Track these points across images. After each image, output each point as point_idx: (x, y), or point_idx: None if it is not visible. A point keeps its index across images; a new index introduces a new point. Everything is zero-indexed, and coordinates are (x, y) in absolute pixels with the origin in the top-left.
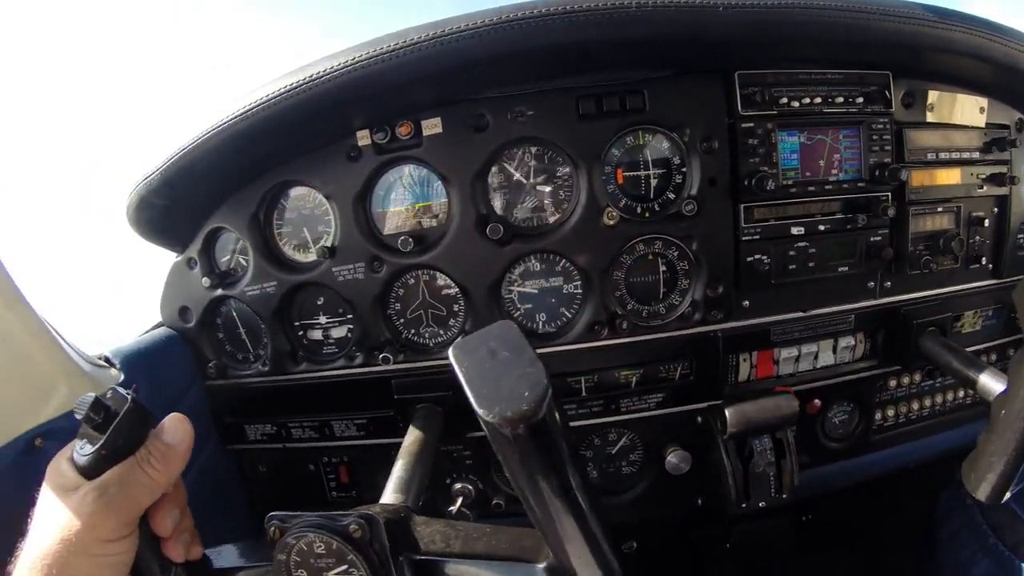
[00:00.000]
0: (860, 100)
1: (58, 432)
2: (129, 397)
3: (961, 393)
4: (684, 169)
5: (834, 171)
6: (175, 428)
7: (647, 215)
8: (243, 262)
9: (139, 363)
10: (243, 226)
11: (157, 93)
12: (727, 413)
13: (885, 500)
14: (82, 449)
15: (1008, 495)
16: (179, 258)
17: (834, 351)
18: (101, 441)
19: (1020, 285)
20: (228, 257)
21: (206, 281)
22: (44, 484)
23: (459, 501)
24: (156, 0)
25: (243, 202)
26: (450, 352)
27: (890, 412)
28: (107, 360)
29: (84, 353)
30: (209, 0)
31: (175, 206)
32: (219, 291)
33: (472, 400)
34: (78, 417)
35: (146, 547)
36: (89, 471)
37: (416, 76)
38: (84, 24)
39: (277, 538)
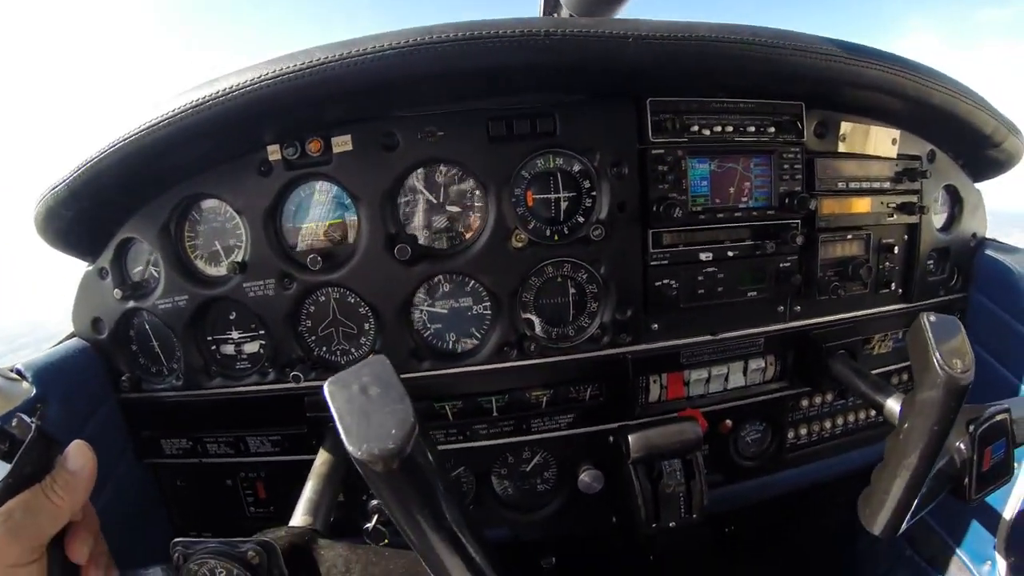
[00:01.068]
0: (772, 129)
1: None
2: (33, 426)
3: (873, 412)
4: (594, 193)
5: (744, 198)
6: (77, 455)
7: (556, 238)
8: (156, 273)
9: (51, 376)
10: (154, 237)
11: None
12: (630, 439)
13: (806, 513)
14: None
15: (903, 528)
16: (91, 267)
17: (744, 373)
18: (8, 470)
19: (912, 328)
20: (141, 268)
21: (118, 292)
22: None
23: (374, 518)
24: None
25: (154, 213)
26: (325, 388)
27: (803, 431)
28: (19, 373)
29: None
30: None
31: (83, 216)
32: (131, 303)
33: (343, 437)
34: None
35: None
36: None
37: (322, 95)
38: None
39: (181, 564)
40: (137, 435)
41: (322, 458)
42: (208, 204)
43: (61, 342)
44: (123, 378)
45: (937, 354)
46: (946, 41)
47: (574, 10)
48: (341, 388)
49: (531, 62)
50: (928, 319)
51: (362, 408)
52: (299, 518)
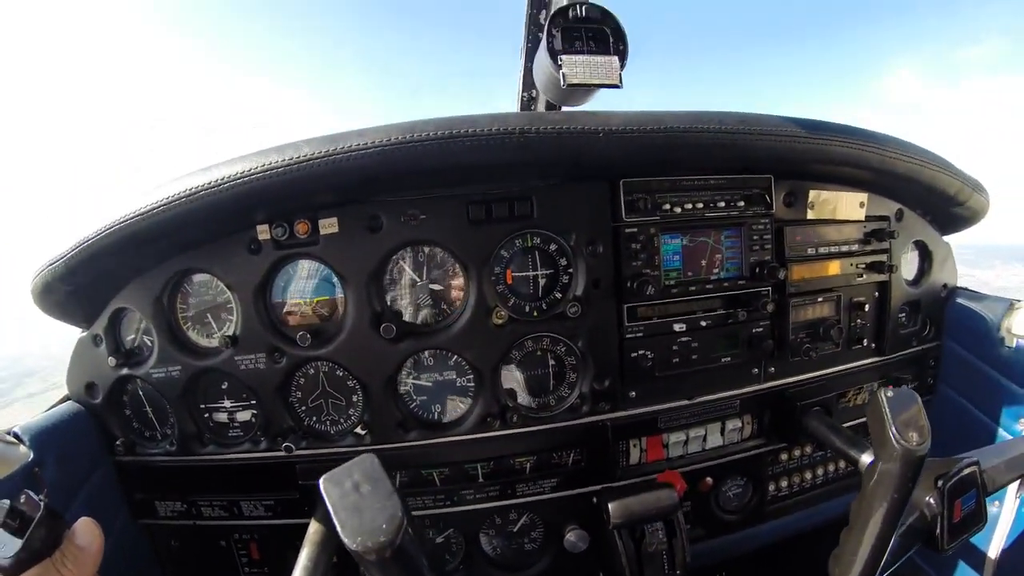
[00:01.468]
0: (741, 203)
1: None
2: (42, 504)
3: None
4: (571, 270)
5: (716, 270)
6: (85, 532)
7: (536, 314)
8: (148, 342)
9: (47, 440)
10: (147, 309)
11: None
12: (610, 507)
13: (792, 562)
14: (3, 548)
15: None
16: (85, 334)
17: (722, 433)
18: (19, 546)
19: (870, 402)
20: (133, 335)
21: (112, 360)
22: None
23: None
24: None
25: (147, 285)
26: (320, 484)
27: (783, 483)
28: (16, 436)
29: None
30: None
31: (79, 289)
32: (125, 370)
33: (339, 531)
34: None
35: None
36: (9, 572)
37: (308, 189)
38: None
39: None
40: (131, 497)
41: (315, 526)
42: (200, 277)
43: (55, 405)
44: (117, 442)
45: (893, 428)
46: (929, 79)
47: (548, 96)
48: (335, 485)
49: (507, 160)
50: (885, 394)
51: (355, 504)
52: None
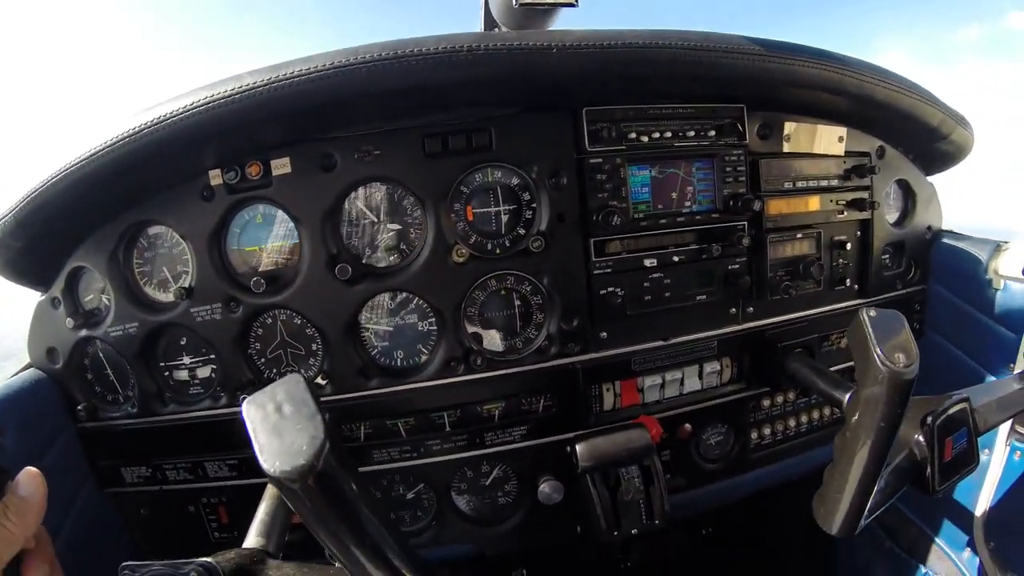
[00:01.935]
0: (712, 133)
1: None
2: None
3: (837, 409)
4: (534, 205)
5: (687, 203)
6: (28, 482)
7: (498, 251)
8: (107, 301)
9: (7, 407)
10: (103, 265)
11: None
12: (577, 449)
13: (780, 511)
14: None
15: (861, 525)
16: (43, 297)
17: (700, 376)
18: None
19: (852, 324)
20: (92, 296)
21: (70, 321)
22: None
23: None
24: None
25: (102, 241)
26: (243, 407)
27: (766, 431)
28: None
29: None
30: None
31: (32, 246)
32: (84, 331)
33: (257, 456)
34: None
35: None
36: None
37: (255, 119)
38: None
39: None
40: (97, 464)
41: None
42: (155, 230)
43: (17, 373)
44: (79, 407)
45: (878, 349)
46: (921, 60)
47: (507, 25)
48: (257, 407)
49: (456, 78)
50: (868, 314)
51: (275, 426)
52: (252, 539)
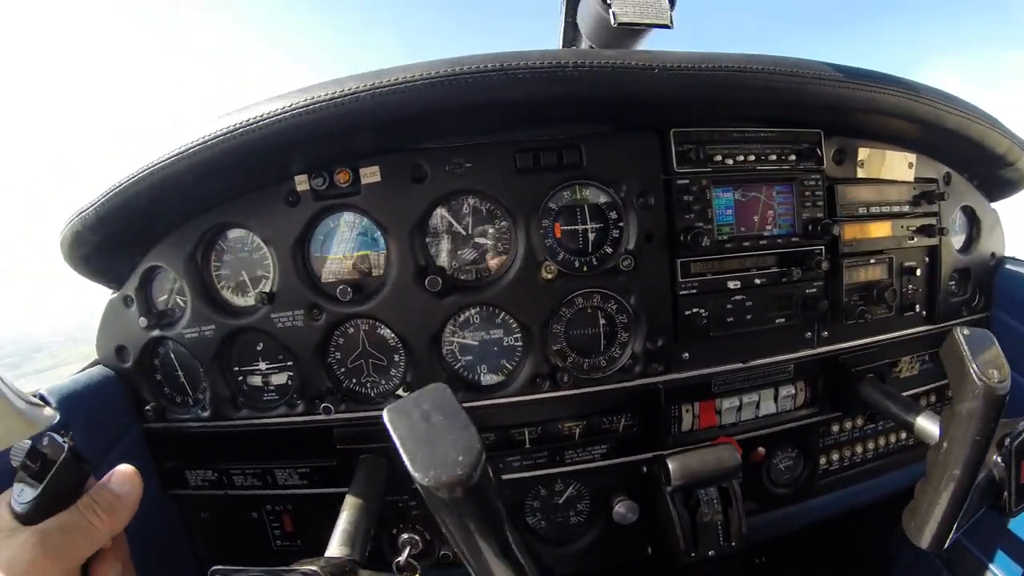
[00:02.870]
0: (793, 157)
1: None
2: (66, 446)
3: (903, 435)
4: (621, 224)
5: (768, 226)
6: (125, 479)
7: (585, 269)
8: (181, 302)
9: (75, 403)
10: (180, 266)
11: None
12: (669, 466)
13: (838, 541)
14: (20, 495)
15: (949, 541)
16: (115, 295)
17: (775, 400)
18: (39, 489)
19: (946, 342)
20: (165, 296)
21: (143, 321)
22: None
23: (406, 551)
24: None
25: (180, 241)
26: (384, 415)
27: (835, 456)
28: (42, 398)
29: (18, 391)
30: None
31: (110, 242)
32: (157, 332)
33: (407, 464)
34: (14, 464)
35: None
36: (27, 518)
37: (352, 125)
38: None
39: None
40: (161, 466)
41: (356, 490)
42: (234, 234)
43: (84, 369)
44: (148, 407)
45: (974, 365)
46: (975, 82)
47: (595, 43)
48: (402, 415)
49: (558, 93)
50: (962, 332)
51: (426, 435)
52: (335, 549)
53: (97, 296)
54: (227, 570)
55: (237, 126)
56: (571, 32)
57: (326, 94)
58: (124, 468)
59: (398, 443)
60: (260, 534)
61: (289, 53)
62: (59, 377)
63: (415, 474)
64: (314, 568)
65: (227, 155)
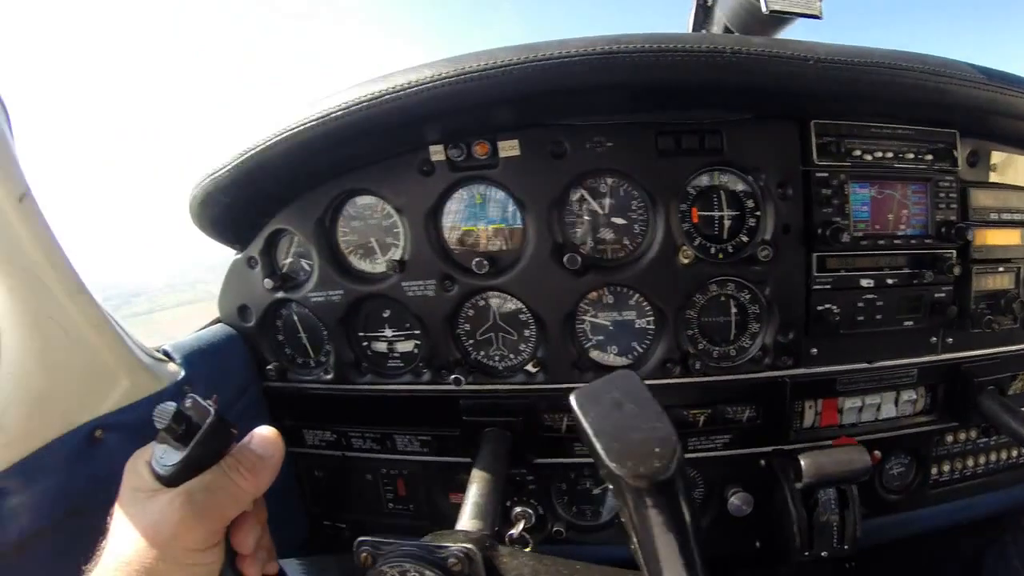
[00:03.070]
0: (929, 157)
1: (118, 425)
2: (212, 411)
3: (1015, 452)
4: (758, 212)
5: (902, 226)
6: (268, 441)
7: (721, 256)
8: (305, 266)
9: (198, 359)
10: (308, 231)
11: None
12: (802, 463)
13: (931, 554)
14: (163, 457)
15: None
16: (239, 256)
17: (896, 403)
18: (186, 452)
19: None
20: (291, 260)
21: (268, 283)
22: (124, 487)
23: (520, 525)
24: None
25: (309, 206)
26: (573, 400)
27: (946, 467)
28: (166, 354)
29: (144, 346)
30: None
31: (239, 204)
32: (281, 294)
33: (602, 453)
34: (158, 426)
35: (226, 564)
36: (171, 480)
37: (500, 98)
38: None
39: (369, 565)
40: (279, 424)
41: (483, 463)
42: (364, 200)
43: (206, 326)
44: (269, 367)
45: None
46: None
47: (735, 26)
48: (592, 402)
49: (714, 80)
50: None
51: (618, 424)
52: (467, 522)
53: (197, 247)
54: (376, 541)
55: (383, 92)
56: (702, 13)
57: (478, 65)
58: (266, 430)
59: (590, 430)
60: (373, 495)
61: (401, 36)
62: (156, 320)
63: (611, 464)
64: (469, 546)
65: (365, 123)
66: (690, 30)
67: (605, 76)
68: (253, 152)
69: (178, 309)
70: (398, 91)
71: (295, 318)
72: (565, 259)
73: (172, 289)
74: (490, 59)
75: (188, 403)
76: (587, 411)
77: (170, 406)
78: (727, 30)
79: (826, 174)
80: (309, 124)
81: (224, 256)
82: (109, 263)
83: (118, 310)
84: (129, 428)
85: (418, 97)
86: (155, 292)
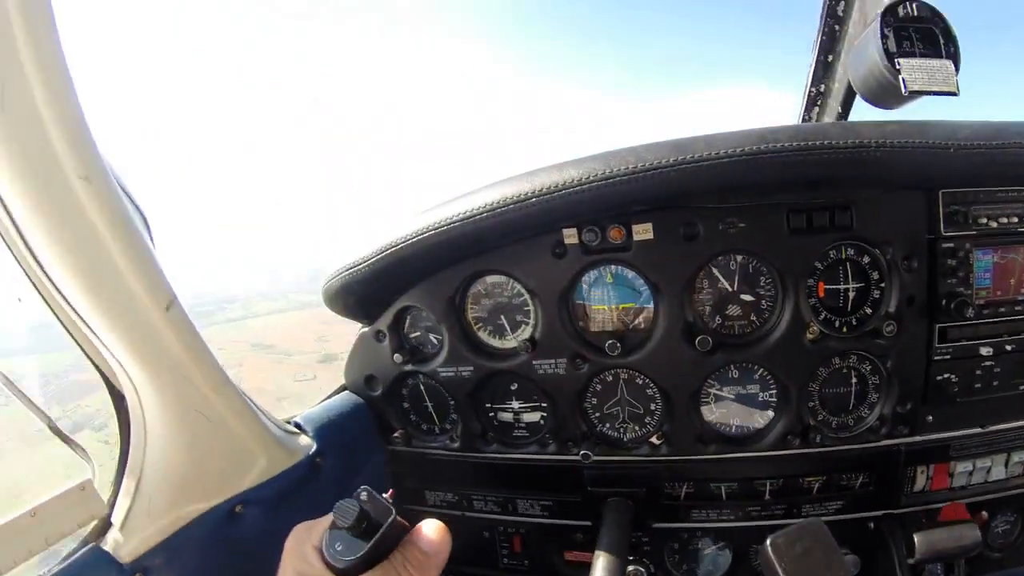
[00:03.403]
0: None
1: (256, 500)
2: (393, 511)
3: None
4: (883, 285)
5: (1023, 290)
6: (434, 538)
7: (845, 330)
8: (433, 340)
9: (328, 430)
10: (439, 309)
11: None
12: (916, 540)
13: None
14: (339, 550)
15: None
16: (367, 329)
17: (1006, 465)
18: (366, 551)
19: None
20: (419, 333)
21: (398, 357)
22: (287, 568)
23: None
24: None
25: (439, 285)
26: (768, 545)
27: None
28: (297, 426)
29: (277, 420)
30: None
31: (373, 290)
32: (410, 367)
33: None
34: (341, 525)
35: None
36: (346, 573)
37: (644, 197)
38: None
39: None
40: (401, 484)
41: (610, 533)
42: (494, 279)
43: (331, 395)
44: (396, 434)
45: None
46: None
47: (864, 94)
48: (787, 547)
49: (859, 174)
50: None
51: (807, 569)
52: None
53: (292, 254)
54: None
55: (529, 195)
56: (821, 69)
57: (626, 168)
58: (432, 526)
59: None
60: (489, 550)
61: (401, 35)
62: (248, 326)
63: None
64: None
65: (510, 220)
66: (808, 80)
67: (754, 176)
68: (394, 249)
69: (269, 317)
70: (543, 194)
71: (421, 388)
72: (697, 341)
73: (264, 297)
74: (637, 160)
75: (364, 496)
76: (782, 557)
77: (352, 504)
78: (848, 89)
79: (952, 244)
80: (454, 224)
81: (317, 268)
82: (202, 271)
83: (212, 315)
84: (266, 502)
85: (563, 200)
86: (249, 299)
